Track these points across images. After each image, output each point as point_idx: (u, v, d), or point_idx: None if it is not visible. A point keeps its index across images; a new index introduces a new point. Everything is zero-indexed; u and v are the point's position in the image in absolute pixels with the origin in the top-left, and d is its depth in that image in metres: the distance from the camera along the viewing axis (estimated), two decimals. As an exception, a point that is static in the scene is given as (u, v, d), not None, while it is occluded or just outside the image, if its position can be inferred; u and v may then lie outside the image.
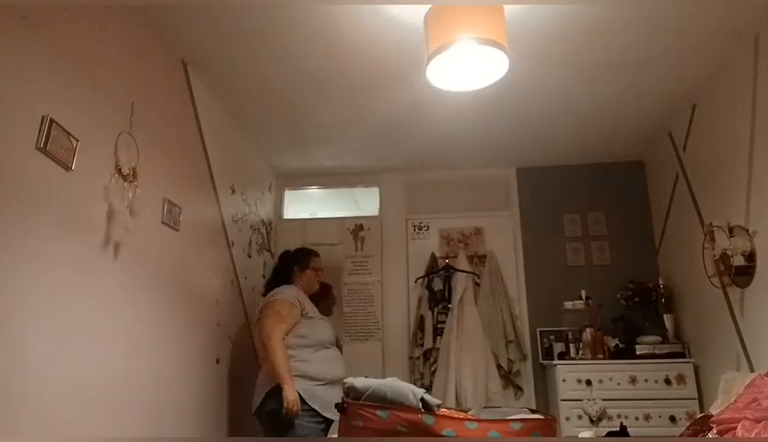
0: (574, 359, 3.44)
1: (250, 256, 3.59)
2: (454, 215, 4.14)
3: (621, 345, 3.45)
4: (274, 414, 2.53)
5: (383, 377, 2.00)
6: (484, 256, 3.99)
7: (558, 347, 3.61)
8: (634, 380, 3.24)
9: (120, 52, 2.14)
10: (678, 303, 3.53)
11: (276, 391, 2.54)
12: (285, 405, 2.47)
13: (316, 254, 3.16)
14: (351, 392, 1.65)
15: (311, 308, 2.91)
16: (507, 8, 2.28)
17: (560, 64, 2.77)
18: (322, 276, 3.14)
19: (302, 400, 2.55)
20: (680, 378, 3.22)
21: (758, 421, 1.80)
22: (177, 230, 2.54)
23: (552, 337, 3.70)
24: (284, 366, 2.56)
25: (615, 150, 3.90)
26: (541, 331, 3.78)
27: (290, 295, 2.83)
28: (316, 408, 2.59)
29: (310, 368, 2.66)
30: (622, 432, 2.64)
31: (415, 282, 4.01)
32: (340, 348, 2.99)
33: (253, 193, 3.74)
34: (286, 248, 4.29)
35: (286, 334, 2.69)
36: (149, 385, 2.26)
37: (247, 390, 3.45)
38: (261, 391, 2.68)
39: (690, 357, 3.31)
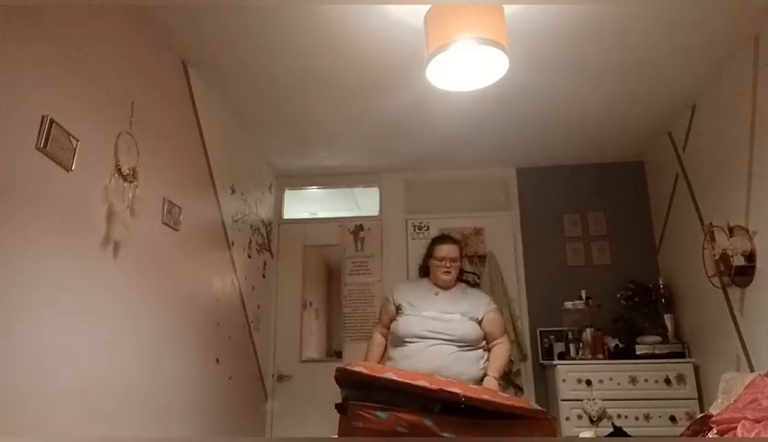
0: (574, 359, 3.44)
1: (250, 256, 3.59)
2: (454, 215, 4.14)
3: (621, 345, 3.45)
4: None
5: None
6: (484, 256, 3.99)
7: (558, 347, 3.61)
8: (634, 380, 3.24)
9: (120, 52, 2.14)
10: (678, 303, 3.53)
11: None
12: None
13: (440, 240, 2.76)
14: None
15: (418, 301, 2.61)
16: (507, 8, 2.28)
17: (560, 65, 2.77)
18: (453, 265, 2.66)
19: None
20: (680, 378, 3.22)
21: (758, 421, 1.80)
22: (177, 230, 2.54)
23: (552, 337, 3.70)
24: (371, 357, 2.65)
25: (615, 150, 3.90)
26: (541, 331, 3.78)
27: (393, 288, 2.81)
28: None
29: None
30: (616, 432, 2.64)
31: (415, 282, 4.00)
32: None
33: (253, 193, 3.74)
34: (287, 248, 4.35)
35: (384, 328, 2.69)
36: (149, 384, 2.26)
37: (246, 390, 3.46)
38: None
39: (690, 357, 3.31)
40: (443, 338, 2.46)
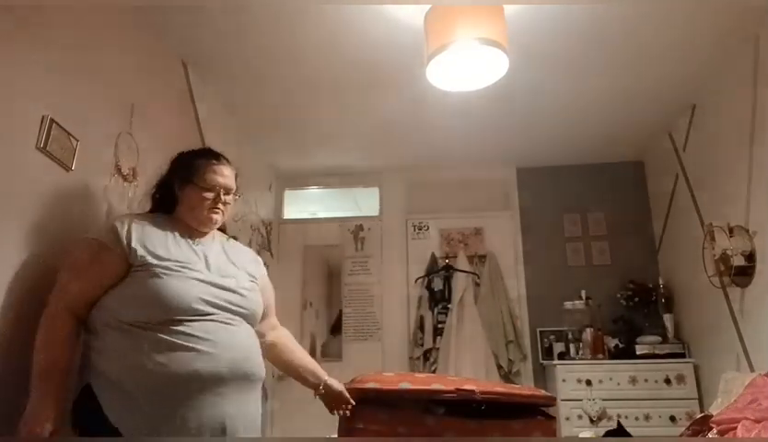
0: (574, 359, 3.44)
1: (249, 256, 3.59)
2: (454, 215, 4.14)
3: (621, 345, 3.45)
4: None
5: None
6: (484, 256, 3.99)
7: (558, 347, 3.61)
8: (634, 380, 3.24)
9: (120, 52, 2.14)
10: (678, 303, 3.53)
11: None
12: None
13: (211, 155, 1.74)
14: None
15: (172, 251, 1.57)
16: (507, 8, 2.28)
17: (560, 64, 2.77)
18: (227, 201, 1.71)
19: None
20: (680, 378, 3.22)
21: (758, 421, 1.80)
22: (177, 230, 2.53)
23: (552, 337, 3.70)
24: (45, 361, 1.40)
25: (615, 150, 3.90)
26: (541, 331, 3.78)
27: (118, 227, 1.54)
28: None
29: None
30: (620, 430, 2.64)
31: (415, 282, 4.01)
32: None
33: (253, 193, 3.74)
34: (287, 248, 4.34)
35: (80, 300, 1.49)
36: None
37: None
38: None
39: (690, 357, 3.31)
40: (233, 313, 1.58)
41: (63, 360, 1.39)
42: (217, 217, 1.69)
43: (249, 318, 1.63)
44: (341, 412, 1.73)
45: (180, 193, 1.68)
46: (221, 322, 1.52)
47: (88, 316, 1.48)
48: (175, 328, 1.44)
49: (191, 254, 1.60)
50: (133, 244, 1.51)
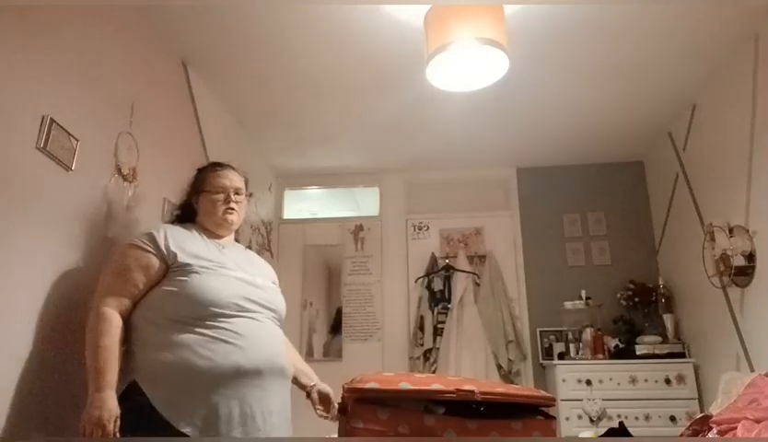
0: (574, 359, 3.44)
1: (249, 256, 3.59)
2: (454, 215, 4.15)
3: (621, 345, 3.45)
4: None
5: (383, 377, 2.00)
6: (484, 256, 3.99)
7: (558, 347, 3.61)
8: (634, 380, 3.24)
9: (120, 52, 2.14)
10: (678, 303, 3.53)
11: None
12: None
13: (217, 165, 1.93)
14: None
15: (204, 252, 1.70)
16: (507, 8, 2.28)
17: (560, 65, 2.77)
18: (239, 200, 1.86)
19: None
20: (680, 378, 3.22)
21: (758, 421, 1.80)
22: (177, 230, 2.53)
23: (552, 337, 3.70)
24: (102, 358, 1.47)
25: (615, 150, 3.90)
26: (541, 331, 3.78)
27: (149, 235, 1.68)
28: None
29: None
30: (621, 430, 2.63)
31: (415, 282, 4.01)
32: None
33: (253, 193, 3.74)
34: (287, 248, 4.34)
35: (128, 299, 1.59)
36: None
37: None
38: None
39: (690, 357, 3.31)
40: (267, 309, 1.72)
41: (116, 353, 1.50)
42: (232, 218, 1.83)
43: (278, 315, 1.78)
44: (327, 415, 1.89)
45: (196, 205, 1.86)
46: (254, 319, 1.65)
47: (131, 315, 1.60)
48: (213, 323, 1.56)
49: (220, 255, 1.73)
50: (172, 247, 1.65)
